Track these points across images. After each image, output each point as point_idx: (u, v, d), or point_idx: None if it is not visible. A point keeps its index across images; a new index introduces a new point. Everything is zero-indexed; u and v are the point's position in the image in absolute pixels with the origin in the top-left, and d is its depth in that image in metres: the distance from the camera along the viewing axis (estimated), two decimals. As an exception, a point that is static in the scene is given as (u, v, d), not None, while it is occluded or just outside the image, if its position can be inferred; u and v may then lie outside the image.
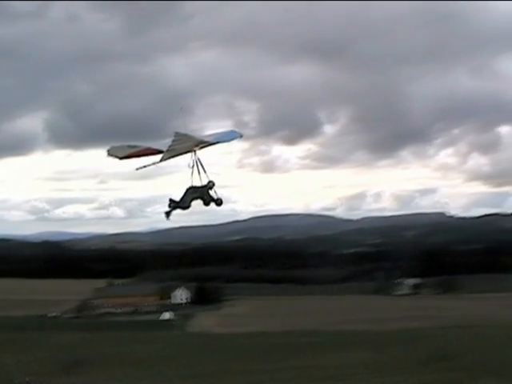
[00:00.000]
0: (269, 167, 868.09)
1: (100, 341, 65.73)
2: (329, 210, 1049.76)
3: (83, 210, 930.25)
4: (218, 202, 13.55)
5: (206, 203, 13.45)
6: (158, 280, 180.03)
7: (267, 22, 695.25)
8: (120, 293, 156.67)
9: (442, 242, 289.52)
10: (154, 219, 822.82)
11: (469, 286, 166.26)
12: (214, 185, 13.34)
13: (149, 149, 13.25)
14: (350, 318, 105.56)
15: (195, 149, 13.04)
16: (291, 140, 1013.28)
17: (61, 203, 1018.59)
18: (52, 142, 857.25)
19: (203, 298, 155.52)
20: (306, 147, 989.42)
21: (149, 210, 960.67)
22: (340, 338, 59.99)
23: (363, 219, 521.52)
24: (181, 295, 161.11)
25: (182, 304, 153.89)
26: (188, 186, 13.30)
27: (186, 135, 12.05)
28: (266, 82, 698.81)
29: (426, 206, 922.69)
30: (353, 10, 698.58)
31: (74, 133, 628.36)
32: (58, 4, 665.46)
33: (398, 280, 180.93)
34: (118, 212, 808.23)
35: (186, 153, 12.96)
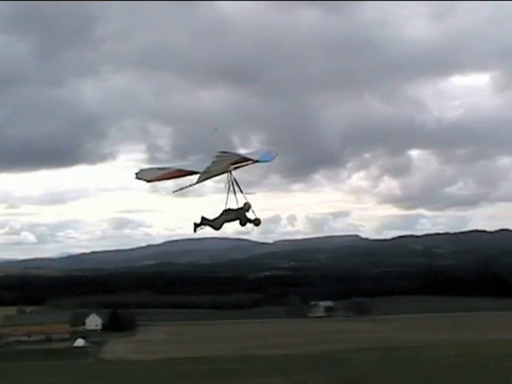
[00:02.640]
0: (183, 191, 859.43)
1: (10, 371, 64.09)
2: (243, 233, 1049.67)
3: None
4: (256, 223, 13.70)
5: (243, 224, 13.60)
6: (70, 306, 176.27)
7: (180, 46, 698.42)
8: (31, 320, 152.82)
9: (355, 264, 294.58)
10: (65, 244, 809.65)
11: (381, 308, 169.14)
12: (250, 207, 13.46)
13: (179, 171, 13.40)
14: (264, 342, 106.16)
15: (230, 169, 13.12)
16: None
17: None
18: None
19: (117, 324, 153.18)
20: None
21: (60, 234, 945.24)
22: (254, 364, 60.40)
23: (277, 242, 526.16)
24: (94, 322, 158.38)
25: (95, 331, 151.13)
26: (225, 208, 13.43)
27: (229, 153, 12.16)
28: (179, 106, 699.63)
29: (339, 228, 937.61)
30: (266, 37, 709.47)
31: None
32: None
33: (312, 303, 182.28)
34: (30, 237, 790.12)
35: (221, 173, 13.09)
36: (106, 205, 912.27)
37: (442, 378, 38.76)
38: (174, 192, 13.84)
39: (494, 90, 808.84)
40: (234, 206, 13.74)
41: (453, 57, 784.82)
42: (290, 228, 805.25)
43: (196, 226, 13.76)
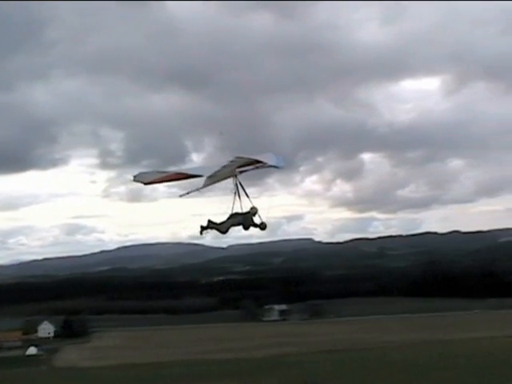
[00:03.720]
0: (136, 196, 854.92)
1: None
2: (197, 238, 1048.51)
3: None
4: (262, 227, 13.38)
5: (246, 228, 13.26)
6: (22, 314, 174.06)
7: (132, 49, 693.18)
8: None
9: (309, 267, 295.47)
10: (16, 251, 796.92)
11: (335, 310, 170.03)
12: (257, 211, 13.12)
13: (178, 174, 12.99)
14: (219, 346, 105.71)
15: (236, 173, 12.76)
16: (158, 169, 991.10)
17: None
18: None
19: (70, 331, 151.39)
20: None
21: (11, 241, 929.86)
22: (209, 368, 60.03)
23: (231, 247, 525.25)
24: (46, 329, 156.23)
25: (48, 338, 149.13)
26: (233, 211, 13.05)
27: (243, 157, 11.82)
28: (131, 110, 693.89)
29: (293, 232, 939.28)
30: (218, 40, 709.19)
31: None
32: None
33: (267, 306, 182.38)
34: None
35: (227, 178, 12.73)
36: (58, 211, 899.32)
37: (399, 378, 38.77)
38: (180, 196, 13.58)
39: (444, 94, 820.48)
40: (239, 210, 13.51)
41: (404, 61, 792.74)
42: (244, 232, 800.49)
43: (202, 228, 13.50)
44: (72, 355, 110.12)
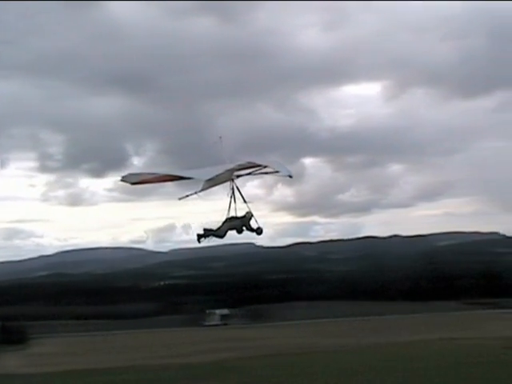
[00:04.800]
0: (76, 200, 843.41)
1: None
2: (138, 242, 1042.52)
3: None
4: (259, 232, 13.52)
5: (239, 231, 13.39)
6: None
7: (73, 52, 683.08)
8: None
9: (251, 272, 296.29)
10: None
11: (276, 314, 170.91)
12: (252, 216, 13.23)
13: (167, 176, 12.98)
14: (159, 352, 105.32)
15: (233, 177, 12.87)
16: (98, 172, 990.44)
17: None
18: None
19: (7, 337, 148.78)
20: (113, 179, 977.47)
21: None
22: (149, 374, 59.89)
23: (173, 251, 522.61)
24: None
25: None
26: (228, 216, 13.12)
27: (254, 163, 11.97)
28: (71, 113, 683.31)
29: (234, 236, 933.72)
30: (160, 44, 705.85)
31: None
32: None
33: (208, 311, 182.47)
34: None
35: (225, 182, 12.79)
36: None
37: (338, 383, 39.39)
38: (179, 199, 13.91)
39: (385, 100, 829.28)
40: (234, 214, 13.91)
41: (345, 66, 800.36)
42: (185, 236, 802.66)
43: (199, 236, 13.86)
44: (10, 362, 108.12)
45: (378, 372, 43.24)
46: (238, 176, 13.39)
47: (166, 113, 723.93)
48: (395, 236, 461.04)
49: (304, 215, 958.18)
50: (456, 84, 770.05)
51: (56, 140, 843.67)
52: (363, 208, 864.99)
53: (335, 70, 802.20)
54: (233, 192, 13.51)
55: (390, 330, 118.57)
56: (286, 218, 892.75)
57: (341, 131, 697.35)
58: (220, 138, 14.72)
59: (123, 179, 13.50)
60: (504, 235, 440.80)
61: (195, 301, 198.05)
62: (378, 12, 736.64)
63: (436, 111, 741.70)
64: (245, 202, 13.64)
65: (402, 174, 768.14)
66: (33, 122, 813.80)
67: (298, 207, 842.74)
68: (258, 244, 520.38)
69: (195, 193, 13.32)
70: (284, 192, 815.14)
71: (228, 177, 13.04)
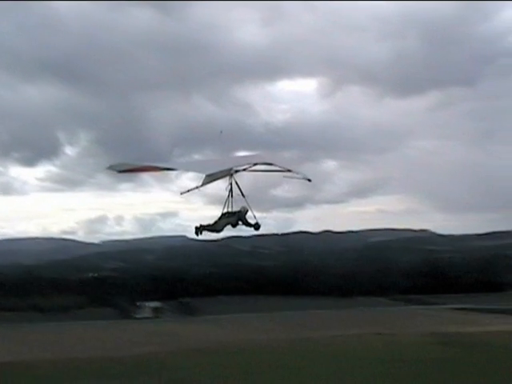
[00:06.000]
0: (5, 189, 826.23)
1: None
2: (69, 233, 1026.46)
3: None
4: (256, 227, 13.55)
5: (234, 226, 13.45)
6: None
7: (6, 39, 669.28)
8: None
9: (183, 265, 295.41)
10: None
11: (207, 308, 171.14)
12: (247, 211, 13.27)
13: (151, 166, 12.92)
14: (88, 344, 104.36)
15: (232, 172, 12.88)
16: (30, 161, 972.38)
17: None
18: None
19: None
20: (45, 169, 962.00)
21: None
22: (77, 367, 59.36)
23: (104, 243, 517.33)
24: None
25: None
26: (223, 211, 13.15)
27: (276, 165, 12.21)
28: (2, 101, 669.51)
29: (167, 229, 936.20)
30: (96, 34, 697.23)
31: None
32: None
33: (139, 304, 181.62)
34: None
35: (224, 176, 12.80)
36: None
37: (267, 377, 39.83)
38: (181, 194, 14.02)
39: (320, 96, 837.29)
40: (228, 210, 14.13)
41: (281, 62, 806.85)
42: (117, 228, 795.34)
43: (197, 229, 13.99)
44: None
45: (307, 367, 43.86)
46: (237, 171, 13.65)
47: (101, 103, 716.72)
48: (327, 231, 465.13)
49: (237, 209, 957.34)
50: (390, 83, 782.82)
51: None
52: (296, 203, 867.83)
53: (271, 66, 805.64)
54: (231, 187, 13.75)
55: (318, 325, 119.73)
56: (219, 212, 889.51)
57: (276, 126, 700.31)
58: (221, 132, 14.95)
59: (111, 167, 13.60)
60: (434, 233, 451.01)
61: (126, 293, 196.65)
62: (315, 10, 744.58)
63: (370, 109, 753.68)
64: (243, 196, 13.92)
65: (336, 170, 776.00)
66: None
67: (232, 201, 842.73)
68: (190, 237, 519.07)
69: (196, 187, 13.58)
70: (218, 185, 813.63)
71: (227, 172, 13.29)
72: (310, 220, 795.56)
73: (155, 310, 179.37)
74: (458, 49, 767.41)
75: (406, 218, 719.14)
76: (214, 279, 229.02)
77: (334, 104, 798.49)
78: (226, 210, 14.18)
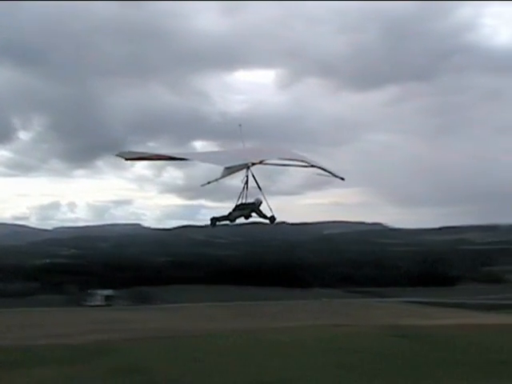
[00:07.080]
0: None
1: None
2: (21, 219, 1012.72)
3: None
4: (272, 220, 13.12)
5: (246, 217, 13.04)
6: None
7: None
8: None
9: (137, 253, 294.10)
10: None
11: (161, 297, 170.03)
12: (261, 202, 12.70)
13: (163, 155, 12.41)
14: (39, 332, 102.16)
15: (249, 165, 12.26)
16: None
17: None
18: None
19: None
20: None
21: None
22: (28, 354, 57.90)
23: (57, 229, 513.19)
24: None
25: None
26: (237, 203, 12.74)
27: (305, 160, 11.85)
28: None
29: (121, 216, 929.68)
30: (53, 18, 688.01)
31: None
32: None
33: (91, 291, 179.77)
34: None
35: (242, 169, 12.25)
36: None
37: (225, 366, 39.01)
38: (202, 186, 13.47)
39: (278, 87, 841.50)
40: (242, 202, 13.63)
41: (240, 52, 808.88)
42: (70, 215, 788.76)
43: (212, 220, 13.44)
44: None
45: (262, 356, 43.23)
46: (254, 164, 13.10)
47: (56, 88, 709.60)
48: (282, 223, 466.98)
49: (192, 198, 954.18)
50: (348, 76, 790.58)
51: None
52: (252, 194, 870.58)
53: (230, 55, 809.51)
54: (247, 179, 13.18)
55: (269, 316, 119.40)
56: (174, 200, 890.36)
57: (232, 116, 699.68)
58: (240, 125, 14.60)
59: (118, 155, 13.38)
60: (387, 226, 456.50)
61: (79, 280, 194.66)
62: (275, 1, 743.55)
63: (328, 102, 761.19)
64: (260, 189, 13.37)
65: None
66: None
67: (187, 190, 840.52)
68: (144, 225, 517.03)
69: (215, 180, 13.00)
70: (173, 174, 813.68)
71: (245, 165, 12.73)
72: (266, 211, 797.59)
73: (107, 297, 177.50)
74: (415, 44, 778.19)
75: (360, 210, 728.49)
76: (169, 268, 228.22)
77: (291, 96, 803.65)
78: (239, 202, 13.70)
